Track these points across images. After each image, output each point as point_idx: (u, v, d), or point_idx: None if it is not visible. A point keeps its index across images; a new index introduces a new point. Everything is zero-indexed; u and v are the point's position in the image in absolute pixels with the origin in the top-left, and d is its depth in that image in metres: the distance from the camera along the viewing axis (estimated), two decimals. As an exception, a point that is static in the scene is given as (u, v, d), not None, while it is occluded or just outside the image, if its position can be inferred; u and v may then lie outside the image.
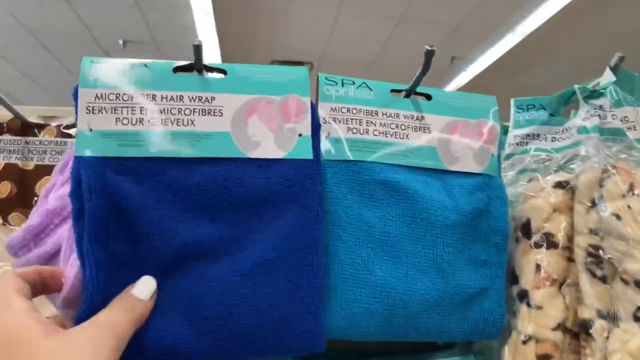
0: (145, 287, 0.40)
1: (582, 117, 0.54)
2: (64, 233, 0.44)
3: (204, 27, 3.14)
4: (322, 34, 3.34)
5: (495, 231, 0.52)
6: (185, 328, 0.41)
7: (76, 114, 0.42)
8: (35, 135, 0.65)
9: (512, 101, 0.63)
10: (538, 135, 0.61)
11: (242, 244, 0.44)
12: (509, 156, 0.62)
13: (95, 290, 0.38)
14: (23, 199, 0.64)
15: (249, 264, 0.44)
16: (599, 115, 0.52)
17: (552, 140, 0.59)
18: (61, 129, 0.66)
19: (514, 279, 0.53)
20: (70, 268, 0.41)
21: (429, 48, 0.48)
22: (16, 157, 0.65)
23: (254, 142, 0.46)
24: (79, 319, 0.37)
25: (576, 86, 0.55)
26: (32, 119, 0.66)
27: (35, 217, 0.46)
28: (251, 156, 0.46)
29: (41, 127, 0.66)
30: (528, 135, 0.61)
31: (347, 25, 3.20)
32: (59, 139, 0.65)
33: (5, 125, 0.65)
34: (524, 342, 0.49)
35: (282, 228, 0.45)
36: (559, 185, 0.52)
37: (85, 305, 0.38)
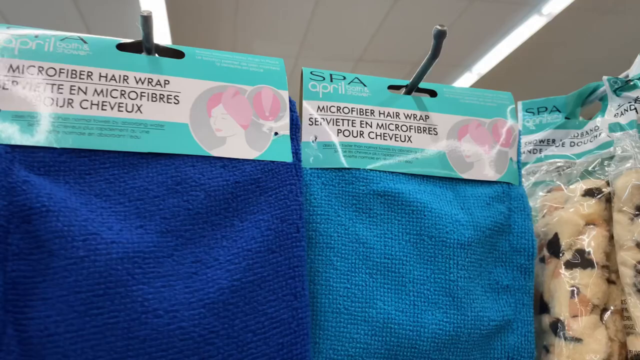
0: None
1: (612, 113, 0.46)
2: None
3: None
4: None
5: (519, 250, 0.43)
6: None
7: None
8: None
9: (519, 104, 0.56)
10: (553, 141, 0.53)
11: (200, 264, 0.34)
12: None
13: None
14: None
15: (213, 290, 0.33)
16: (635, 109, 0.44)
17: (572, 145, 0.51)
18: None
19: (542, 306, 0.44)
20: None
21: (440, 28, 0.40)
22: None
23: (219, 137, 0.37)
24: None
25: (605, 77, 0.47)
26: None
27: None
28: (214, 154, 0.36)
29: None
30: (541, 141, 0.53)
31: (307, 65, 3.18)
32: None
33: None
34: (563, 386, 0.39)
35: (255, 245, 0.35)
36: (590, 193, 0.44)
37: None
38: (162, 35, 2.65)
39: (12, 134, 0.32)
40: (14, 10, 2.51)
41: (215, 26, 2.72)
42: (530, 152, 0.54)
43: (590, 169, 0.46)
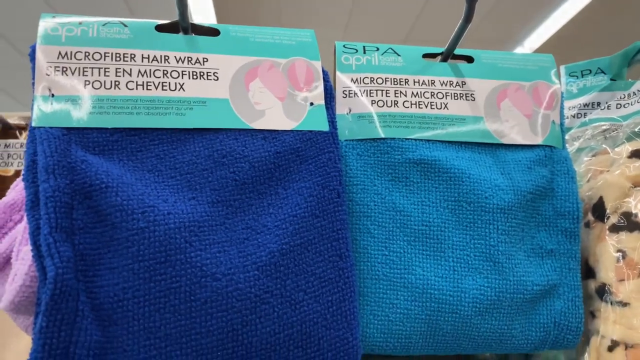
0: None
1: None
2: (21, 227, 0.35)
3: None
4: (327, 55, 3.29)
5: (563, 214, 0.42)
6: (182, 349, 0.32)
7: (33, 77, 0.34)
8: (17, 138, 0.58)
9: (562, 68, 0.54)
10: (598, 104, 0.51)
11: (251, 230, 0.35)
12: (563, 132, 0.52)
13: (60, 294, 0.29)
14: (3, 209, 0.55)
15: (264, 253, 0.34)
16: (684, 65, 0.42)
17: (618, 108, 0.49)
18: (46, 130, 0.59)
19: (588, 271, 0.43)
20: (21, 264, 0.32)
21: (470, -11, 0.39)
22: (-6, 162, 0.57)
23: (258, 110, 0.38)
24: (40, 333, 0.28)
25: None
26: (13, 120, 0.58)
27: (-9, 213, 0.38)
28: (254, 127, 0.38)
29: (23, 128, 0.59)
30: (586, 105, 0.52)
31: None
32: (43, 141, 0.58)
33: (-18, 127, 0.58)
34: (610, 349, 0.38)
35: (300, 211, 0.36)
36: (636, 154, 0.42)
37: (45, 315, 0.29)
38: (208, 22, 2.69)
39: (67, 118, 0.34)
40: (66, 10, 2.61)
41: (258, 13, 2.74)
42: (573, 116, 0.52)
43: (637, 130, 0.44)
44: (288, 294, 0.34)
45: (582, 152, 0.48)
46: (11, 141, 0.57)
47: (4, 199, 0.39)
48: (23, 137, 0.58)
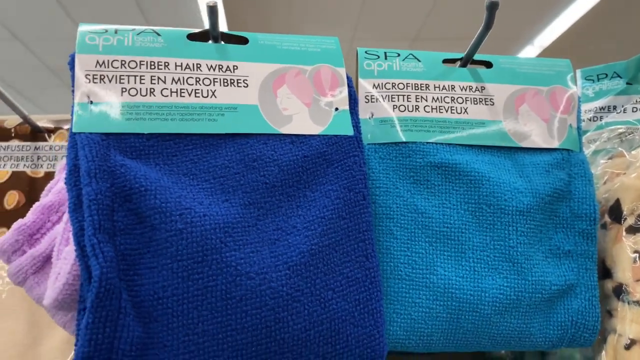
0: None
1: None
2: (60, 228, 0.37)
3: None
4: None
5: (580, 216, 0.44)
6: (218, 344, 0.33)
7: (72, 85, 0.36)
8: (46, 140, 0.60)
9: (578, 72, 0.55)
10: (614, 107, 0.52)
11: (281, 231, 0.37)
12: (580, 134, 0.54)
13: (105, 293, 0.31)
14: (33, 210, 0.57)
15: (295, 253, 0.36)
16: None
17: (634, 111, 0.50)
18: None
19: (605, 272, 0.44)
20: (63, 262, 0.34)
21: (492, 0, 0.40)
22: (25, 165, 0.59)
23: (286, 116, 0.40)
24: (86, 329, 0.30)
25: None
26: (42, 123, 0.60)
27: (30, 214, 0.40)
28: (283, 131, 0.39)
29: (52, 131, 0.60)
30: (602, 108, 0.53)
31: (363, 46, 3.17)
32: (71, 143, 0.60)
33: (13, 130, 0.60)
34: (627, 347, 0.40)
35: (327, 213, 0.38)
36: (653, 158, 0.43)
37: (91, 312, 0.31)
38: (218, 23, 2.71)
39: (105, 123, 0.35)
40: (77, 7, 2.63)
41: (269, 10, 2.75)
42: (590, 120, 0.53)
43: (653, 133, 0.45)
44: (318, 293, 0.36)
45: (598, 155, 0.50)
46: (40, 144, 0.59)
47: (42, 200, 0.41)
48: (52, 140, 0.60)
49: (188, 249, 0.33)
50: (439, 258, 0.42)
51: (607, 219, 0.45)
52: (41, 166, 0.59)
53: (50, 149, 0.59)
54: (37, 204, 0.41)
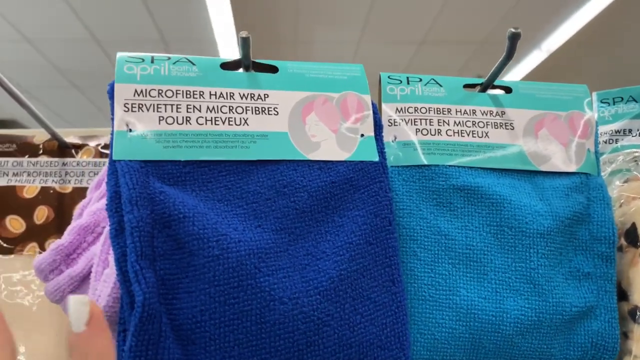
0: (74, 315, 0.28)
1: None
2: (97, 250, 0.38)
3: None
4: (345, 60, 3.31)
5: (599, 238, 0.45)
6: None
7: (112, 113, 0.37)
8: (73, 156, 0.61)
9: (594, 95, 0.56)
10: (630, 131, 0.53)
11: (311, 257, 0.38)
12: (596, 156, 0.55)
13: (147, 317, 0.32)
14: (61, 225, 0.59)
15: (325, 279, 0.37)
16: None
17: (649, 135, 0.52)
18: (99, 148, 0.62)
19: (621, 294, 0.45)
20: (103, 285, 0.35)
21: (514, 31, 0.42)
22: (53, 180, 0.60)
23: (314, 143, 0.41)
24: (130, 352, 0.32)
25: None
26: (70, 139, 0.62)
27: (66, 235, 0.41)
28: (311, 158, 0.41)
29: (79, 147, 0.62)
30: (617, 131, 0.54)
31: (370, 50, 3.18)
32: (98, 159, 0.61)
33: (41, 146, 0.61)
34: (645, 370, 0.41)
35: (355, 238, 0.39)
36: (669, 183, 0.45)
37: (134, 336, 0.32)
38: (225, 22, 2.73)
39: (144, 151, 0.37)
40: (88, 12, 2.65)
41: (276, 13, 2.76)
42: (606, 142, 0.55)
43: (669, 158, 0.47)
44: (347, 317, 0.37)
45: (614, 177, 0.51)
46: (68, 160, 0.61)
47: (77, 221, 0.42)
48: (79, 156, 0.61)
49: (225, 274, 0.35)
50: (461, 279, 0.43)
51: (623, 242, 0.46)
52: (69, 182, 0.60)
53: (77, 164, 0.61)
54: (72, 224, 0.43)
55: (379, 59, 3.30)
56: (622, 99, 0.55)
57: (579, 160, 0.46)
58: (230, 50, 3.04)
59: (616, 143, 0.54)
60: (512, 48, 0.43)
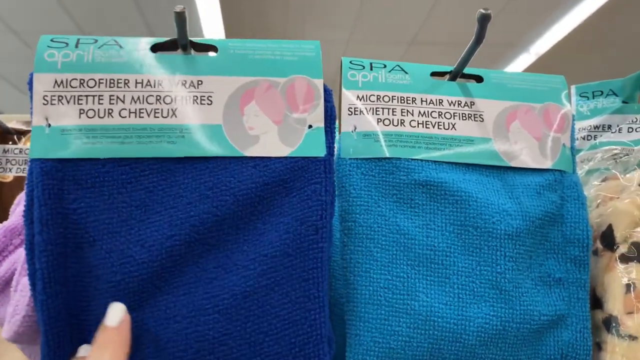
0: (112, 313, 0.32)
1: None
2: (20, 255, 0.35)
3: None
4: (333, 58, 3.29)
5: (572, 241, 0.41)
6: None
7: (31, 106, 0.33)
8: (15, 143, 0.57)
9: (572, 88, 0.53)
10: (609, 127, 0.50)
11: (221, 269, 0.35)
12: (573, 153, 0.51)
13: (53, 344, 0.31)
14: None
15: (227, 295, 0.34)
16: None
17: (629, 131, 0.48)
18: (46, 135, 0.58)
19: (595, 301, 0.42)
20: (21, 295, 0.32)
21: (484, 12, 0.38)
22: (-8, 168, 0.56)
23: (252, 136, 0.37)
24: None
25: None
26: (12, 124, 0.57)
27: (-8, 236, 0.38)
28: (247, 154, 0.36)
29: (22, 133, 0.57)
30: (596, 127, 0.51)
31: (359, 49, 3.16)
32: (43, 147, 0.57)
33: (-20, 131, 0.57)
34: (617, 385, 0.38)
35: (272, 250, 0.35)
36: (649, 182, 0.41)
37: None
38: (214, 24, 2.70)
39: (61, 148, 0.33)
40: (76, 5, 2.61)
41: (266, 13, 2.73)
42: (584, 138, 0.51)
43: (649, 155, 0.43)
44: (248, 337, 0.34)
45: (591, 175, 0.47)
46: (10, 146, 0.56)
47: (5, 223, 0.39)
48: (22, 143, 0.57)
49: (125, 298, 0.33)
50: (421, 283, 0.39)
51: (598, 245, 0.43)
52: (10, 170, 0.56)
53: (20, 152, 0.57)
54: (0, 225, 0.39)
55: (368, 59, 3.27)
56: (602, 92, 0.51)
57: (554, 156, 0.43)
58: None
59: (594, 140, 0.50)
60: (482, 31, 0.39)
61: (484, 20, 0.39)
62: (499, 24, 2.66)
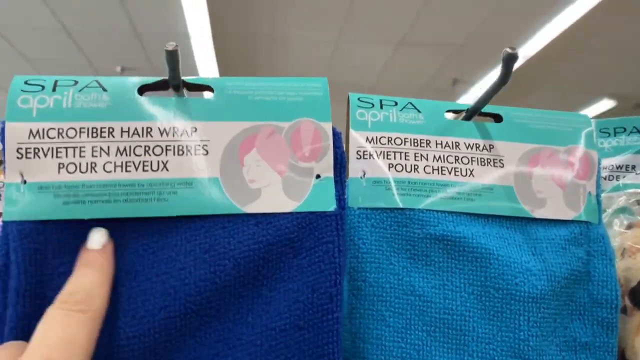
0: (94, 237, 0.29)
1: None
2: None
3: (203, 56, 3.08)
4: (322, 58, 3.26)
5: (600, 302, 0.38)
6: None
7: (3, 160, 0.29)
8: None
9: (593, 123, 0.49)
10: (633, 167, 0.46)
11: (223, 344, 0.31)
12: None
13: None
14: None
15: None
16: None
17: (656, 173, 0.45)
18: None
19: (625, 367, 0.38)
20: None
21: (510, 51, 0.34)
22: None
23: (253, 190, 0.32)
24: None
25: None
26: None
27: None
28: (247, 211, 0.32)
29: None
30: (619, 167, 0.47)
31: (347, 50, 3.12)
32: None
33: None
34: None
35: (280, 323, 0.31)
36: (682, 235, 0.38)
37: None
38: (202, 27, 2.65)
39: (40, 209, 0.29)
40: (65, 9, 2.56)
41: (253, 14, 2.69)
42: (605, 178, 0.48)
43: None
44: None
45: (616, 217, 0.44)
46: None
47: None
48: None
49: None
50: (437, 351, 0.36)
51: (627, 302, 0.39)
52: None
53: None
54: None
55: (356, 59, 3.24)
56: (625, 129, 0.48)
57: (579, 206, 0.39)
58: (204, 45, 2.95)
59: (617, 180, 0.47)
60: (507, 72, 0.35)
61: (510, 60, 0.35)
62: (488, 26, 2.64)
